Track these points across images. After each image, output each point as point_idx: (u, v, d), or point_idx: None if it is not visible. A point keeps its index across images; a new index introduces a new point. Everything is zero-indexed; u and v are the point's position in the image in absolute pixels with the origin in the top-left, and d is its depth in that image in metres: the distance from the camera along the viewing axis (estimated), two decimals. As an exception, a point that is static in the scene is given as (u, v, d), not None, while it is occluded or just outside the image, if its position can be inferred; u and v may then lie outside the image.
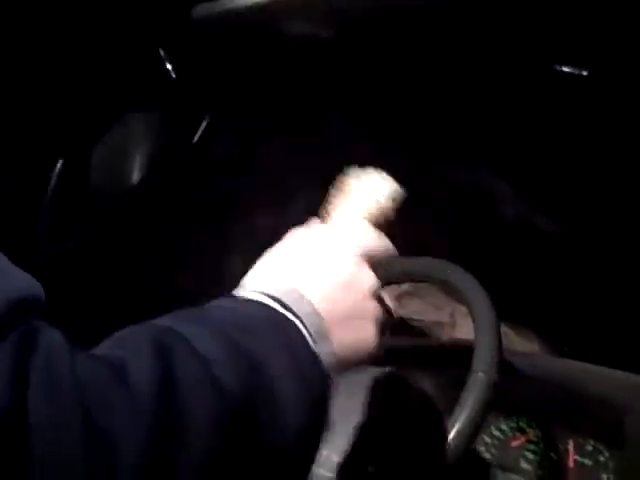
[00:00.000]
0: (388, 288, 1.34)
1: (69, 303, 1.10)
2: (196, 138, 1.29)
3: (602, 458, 0.96)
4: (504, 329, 1.30)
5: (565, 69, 1.11)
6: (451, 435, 0.72)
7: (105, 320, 1.15)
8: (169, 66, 1.26)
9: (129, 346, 0.52)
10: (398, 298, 1.37)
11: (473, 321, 0.82)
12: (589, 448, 0.97)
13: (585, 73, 1.10)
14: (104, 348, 0.53)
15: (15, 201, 1.16)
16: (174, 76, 1.26)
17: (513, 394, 1.01)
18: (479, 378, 0.76)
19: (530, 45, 1.08)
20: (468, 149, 1.32)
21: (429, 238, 1.33)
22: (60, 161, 1.22)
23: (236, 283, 0.69)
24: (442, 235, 1.35)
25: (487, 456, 1.03)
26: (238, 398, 0.52)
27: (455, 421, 0.73)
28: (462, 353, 0.80)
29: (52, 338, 0.47)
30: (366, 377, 0.93)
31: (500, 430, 1.04)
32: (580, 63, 1.09)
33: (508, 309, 1.28)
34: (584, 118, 1.18)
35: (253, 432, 0.53)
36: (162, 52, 1.26)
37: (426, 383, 0.94)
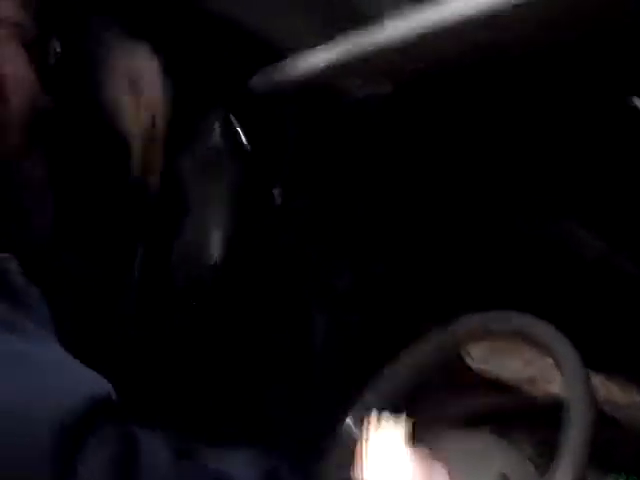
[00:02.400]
0: (476, 345, 1.32)
1: (155, 387, 1.12)
2: (275, 206, 1.30)
3: None
4: (601, 380, 1.25)
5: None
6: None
7: (189, 402, 1.17)
8: (244, 138, 1.29)
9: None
10: (487, 355, 1.34)
11: (562, 376, 0.80)
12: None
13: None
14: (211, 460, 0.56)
15: (101, 289, 1.19)
16: (245, 142, 1.29)
17: (617, 449, 0.97)
18: (574, 433, 0.73)
19: (603, 79, 1.06)
20: (547, 196, 1.30)
21: (511, 287, 1.30)
22: (142, 247, 1.25)
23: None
24: (524, 284, 1.32)
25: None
26: None
27: (558, 467, 0.71)
28: (556, 409, 0.78)
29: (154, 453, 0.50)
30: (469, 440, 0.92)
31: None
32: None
33: (602, 358, 1.24)
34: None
35: None
36: (238, 128, 1.28)
37: (521, 441, 0.91)
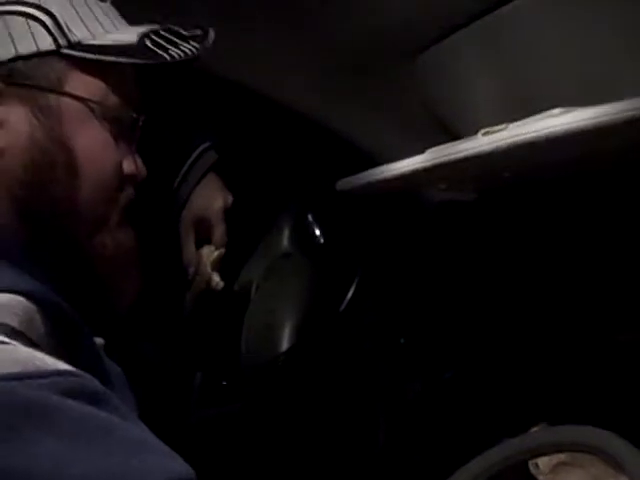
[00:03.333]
0: (545, 458, 1.28)
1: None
2: (344, 305, 1.31)
3: None
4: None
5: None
6: None
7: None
8: (317, 231, 1.31)
9: None
10: (555, 469, 1.30)
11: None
12: None
13: None
14: None
15: (170, 372, 1.21)
16: (322, 241, 1.30)
17: None
18: None
19: None
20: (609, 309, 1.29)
21: (587, 402, 1.28)
22: (215, 330, 1.27)
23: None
24: (600, 400, 1.29)
25: None
26: None
27: None
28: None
29: None
30: None
31: None
32: None
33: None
34: None
35: None
36: (310, 217, 1.31)
37: None
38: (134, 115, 0.81)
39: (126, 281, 0.82)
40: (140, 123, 0.82)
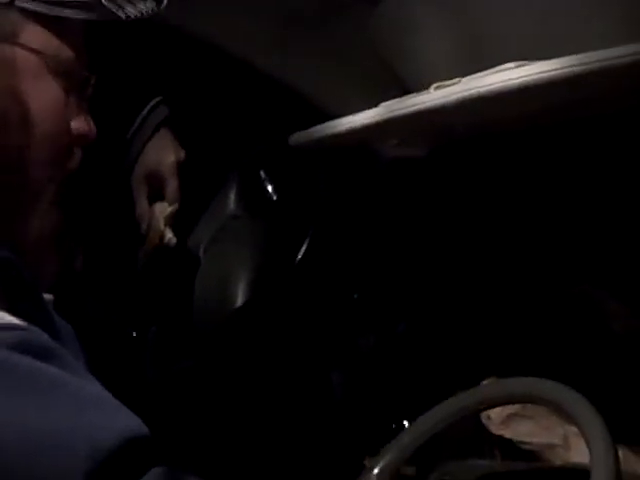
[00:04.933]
0: (496, 410, 1.31)
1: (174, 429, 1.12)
2: (298, 259, 1.31)
3: None
4: (622, 452, 1.23)
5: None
6: None
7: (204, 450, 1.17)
8: (270, 187, 1.30)
9: None
10: (507, 420, 1.32)
11: (587, 445, 0.79)
12: None
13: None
14: None
15: (119, 328, 1.20)
16: (275, 197, 1.30)
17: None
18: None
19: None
20: (579, 266, 1.30)
21: (535, 354, 1.30)
22: (166, 286, 1.26)
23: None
24: (548, 351, 1.32)
25: None
26: None
27: None
28: (577, 477, 0.77)
29: None
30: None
31: None
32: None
33: (624, 430, 1.22)
34: None
35: None
36: (263, 174, 1.30)
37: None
38: (87, 73, 0.80)
39: (43, 265, 0.81)
40: (93, 81, 0.81)
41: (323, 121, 1.09)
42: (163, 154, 1.22)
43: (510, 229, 1.26)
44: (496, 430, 1.33)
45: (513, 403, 1.02)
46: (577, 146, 1.07)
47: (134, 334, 1.25)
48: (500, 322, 1.33)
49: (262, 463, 1.18)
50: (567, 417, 0.85)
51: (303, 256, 1.29)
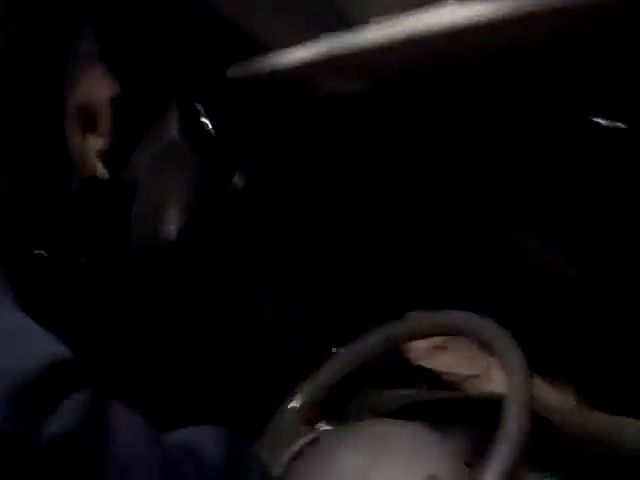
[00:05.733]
0: (420, 341, 1.35)
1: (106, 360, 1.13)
2: (234, 192, 1.31)
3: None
4: (538, 382, 1.29)
5: (603, 122, 1.12)
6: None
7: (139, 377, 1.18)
8: (206, 121, 1.29)
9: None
10: (430, 351, 1.36)
11: (505, 374, 0.82)
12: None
13: (623, 126, 1.11)
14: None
15: (54, 264, 1.19)
16: (212, 131, 1.29)
17: (548, 450, 1.00)
18: (509, 433, 0.75)
19: (567, 98, 1.09)
20: (501, 204, 1.33)
21: (459, 289, 1.34)
22: (101, 215, 1.26)
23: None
24: (474, 287, 1.35)
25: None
26: None
27: (489, 470, 0.73)
28: (494, 406, 0.80)
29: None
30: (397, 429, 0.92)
31: (536, 484, 1.02)
32: (618, 116, 1.10)
33: (543, 362, 1.28)
34: (621, 171, 1.19)
35: None
36: (200, 107, 1.29)
37: (457, 438, 0.93)
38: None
39: None
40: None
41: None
42: (96, 88, 1.19)
43: (433, 167, 1.28)
44: (420, 361, 1.38)
45: (438, 335, 1.05)
46: (501, 88, 1.08)
47: (63, 262, 1.24)
48: (427, 255, 1.36)
49: (190, 394, 1.19)
50: (488, 349, 0.88)
51: (238, 190, 1.29)
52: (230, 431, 0.56)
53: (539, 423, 1.01)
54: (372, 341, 1.02)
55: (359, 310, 1.36)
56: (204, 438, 0.55)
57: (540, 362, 1.26)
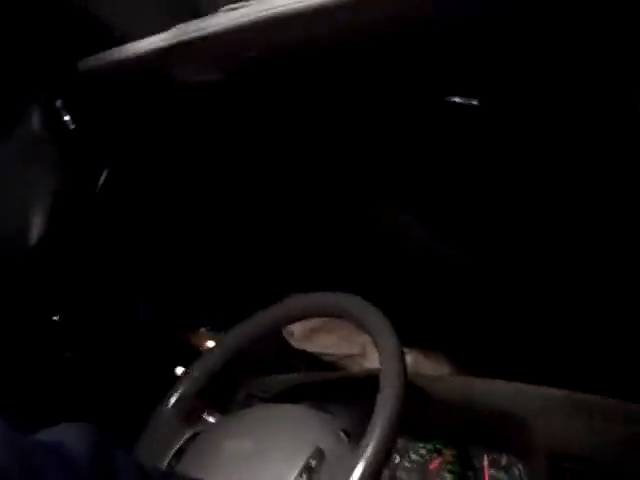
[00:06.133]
0: (298, 324, 1.36)
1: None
2: (97, 189, 1.28)
3: (516, 471, 0.99)
4: (414, 355, 1.33)
5: (456, 100, 1.15)
6: (363, 462, 0.74)
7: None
8: (67, 117, 1.26)
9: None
10: (309, 334, 1.38)
11: (378, 351, 0.84)
12: (503, 462, 1.00)
13: (475, 103, 1.14)
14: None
15: None
16: (72, 127, 1.26)
17: (427, 418, 1.04)
18: (385, 405, 0.78)
19: (421, 78, 1.12)
20: (372, 185, 1.36)
21: (335, 270, 1.36)
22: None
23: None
24: (350, 268, 1.38)
25: (405, 479, 1.04)
26: None
27: (365, 448, 0.75)
28: (371, 382, 0.82)
29: None
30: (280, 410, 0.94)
31: (418, 454, 1.06)
32: (471, 94, 1.14)
33: (417, 336, 1.31)
34: (477, 147, 1.23)
35: None
36: (59, 103, 1.25)
37: (338, 414, 0.95)
38: None
39: None
40: None
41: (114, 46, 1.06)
42: None
43: (296, 152, 1.30)
44: (299, 345, 1.39)
45: (315, 317, 1.07)
46: (356, 70, 1.10)
47: None
48: (303, 239, 1.38)
49: (67, 394, 1.17)
50: (362, 328, 0.90)
51: (102, 186, 1.27)
52: (98, 428, 0.56)
53: (415, 393, 1.05)
54: (250, 328, 1.02)
55: (234, 299, 1.36)
56: (71, 436, 0.54)
57: (415, 336, 1.30)
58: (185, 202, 1.35)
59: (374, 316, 0.89)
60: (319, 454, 0.81)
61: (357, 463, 0.75)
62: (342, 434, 0.84)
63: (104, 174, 1.27)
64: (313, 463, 0.80)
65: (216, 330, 1.32)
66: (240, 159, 1.32)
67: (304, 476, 0.79)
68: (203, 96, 1.19)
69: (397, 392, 0.79)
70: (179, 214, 1.35)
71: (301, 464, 0.80)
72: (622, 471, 0.88)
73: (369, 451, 0.74)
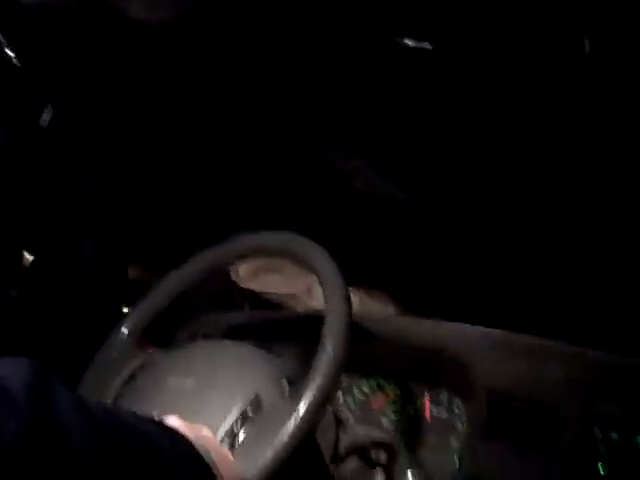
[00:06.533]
0: (244, 265, 1.36)
1: None
2: (43, 125, 1.25)
3: (456, 409, 1.01)
4: (360, 296, 1.34)
5: (409, 43, 1.14)
6: (307, 399, 0.75)
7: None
8: (11, 53, 1.22)
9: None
10: (255, 273, 1.38)
11: (323, 290, 0.85)
12: (444, 400, 1.03)
13: (428, 47, 1.14)
14: None
15: None
16: (17, 63, 1.23)
17: (371, 356, 1.05)
18: (329, 344, 0.78)
19: (371, 18, 1.11)
20: (317, 127, 1.35)
21: (284, 211, 1.35)
22: None
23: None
24: (296, 209, 1.37)
25: (351, 417, 1.06)
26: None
27: (308, 386, 0.76)
28: (315, 322, 0.83)
29: None
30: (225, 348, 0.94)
31: (361, 392, 1.08)
32: (424, 37, 1.13)
33: (364, 277, 1.33)
34: (430, 91, 1.23)
35: None
36: (2, 38, 1.22)
37: (282, 355, 0.96)
38: None
39: None
40: None
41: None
42: None
43: (254, 88, 1.28)
44: (245, 284, 1.40)
45: (261, 257, 1.07)
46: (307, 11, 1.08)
47: None
48: (250, 179, 1.37)
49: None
50: (307, 267, 0.90)
51: (49, 122, 1.24)
52: (39, 363, 0.56)
53: (360, 334, 1.06)
54: (195, 266, 1.02)
55: (180, 238, 1.36)
56: (9, 370, 0.54)
57: (361, 278, 1.31)
58: (134, 140, 1.33)
59: (319, 255, 0.89)
60: (257, 403, 0.80)
61: (291, 418, 0.75)
62: (284, 382, 0.83)
63: (49, 110, 1.24)
64: (250, 412, 0.80)
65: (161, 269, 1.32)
66: (186, 95, 1.30)
67: (239, 424, 0.79)
68: (152, 36, 1.16)
69: (341, 334, 0.80)
70: (128, 152, 1.33)
71: (238, 411, 0.80)
72: (559, 410, 0.91)
73: (312, 390, 0.75)
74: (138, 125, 1.32)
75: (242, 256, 1.03)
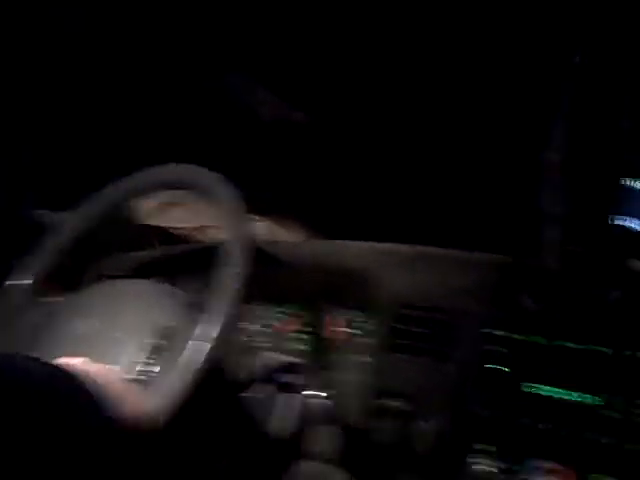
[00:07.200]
0: (150, 200, 1.34)
1: None
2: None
3: (367, 326, 1.03)
4: (269, 224, 1.34)
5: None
6: (209, 329, 0.74)
7: None
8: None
9: None
10: (159, 208, 1.36)
11: (223, 219, 0.83)
12: (354, 319, 1.03)
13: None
14: None
15: None
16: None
17: (281, 283, 1.05)
18: (228, 271, 0.78)
19: None
20: (224, 56, 1.32)
21: (188, 143, 1.33)
22: None
23: None
24: (202, 140, 1.35)
25: (263, 344, 1.06)
26: None
27: (209, 316, 0.75)
28: (220, 251, 0.82)
29: None
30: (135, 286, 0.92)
31: (270, 317, 1.08)
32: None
33: (272, 205, 1.32)
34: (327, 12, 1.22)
35: None
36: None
37: (190, 286, 0.95)
38: None
39: None
40: None
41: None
42: None
43: (159, 19, 1.24)
44: (151, 220, 1.37)
45: (162, 190, 1.04)
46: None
47: None
48: (156, 111, 1.34)
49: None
50: (208, 197, 0.89)
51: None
52: None
53: (269, 259, 1.06)
54: (98, 205, 0.98)
55: (83, 177, 1.32)
56: None
57: (271, 205, 1.31)
58: (45, 84, 1.28)
59: (218, 185, 0.87)
60: (168, 332, 0.80)
61: (201, 337, 0.74)
62: (193, 308, 0.82)
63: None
64: (161, 344, 0.79)
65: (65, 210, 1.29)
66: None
67: (152, 357, 0.78)
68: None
69: (242, 261, 0.79)
70: (36, 96, 1.28)
71: (149, 345, 0.79)
72: (462, 315, 0.93)
73: (211, 326, 0.74)
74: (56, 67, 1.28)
75: (142, 191, 1.01)
